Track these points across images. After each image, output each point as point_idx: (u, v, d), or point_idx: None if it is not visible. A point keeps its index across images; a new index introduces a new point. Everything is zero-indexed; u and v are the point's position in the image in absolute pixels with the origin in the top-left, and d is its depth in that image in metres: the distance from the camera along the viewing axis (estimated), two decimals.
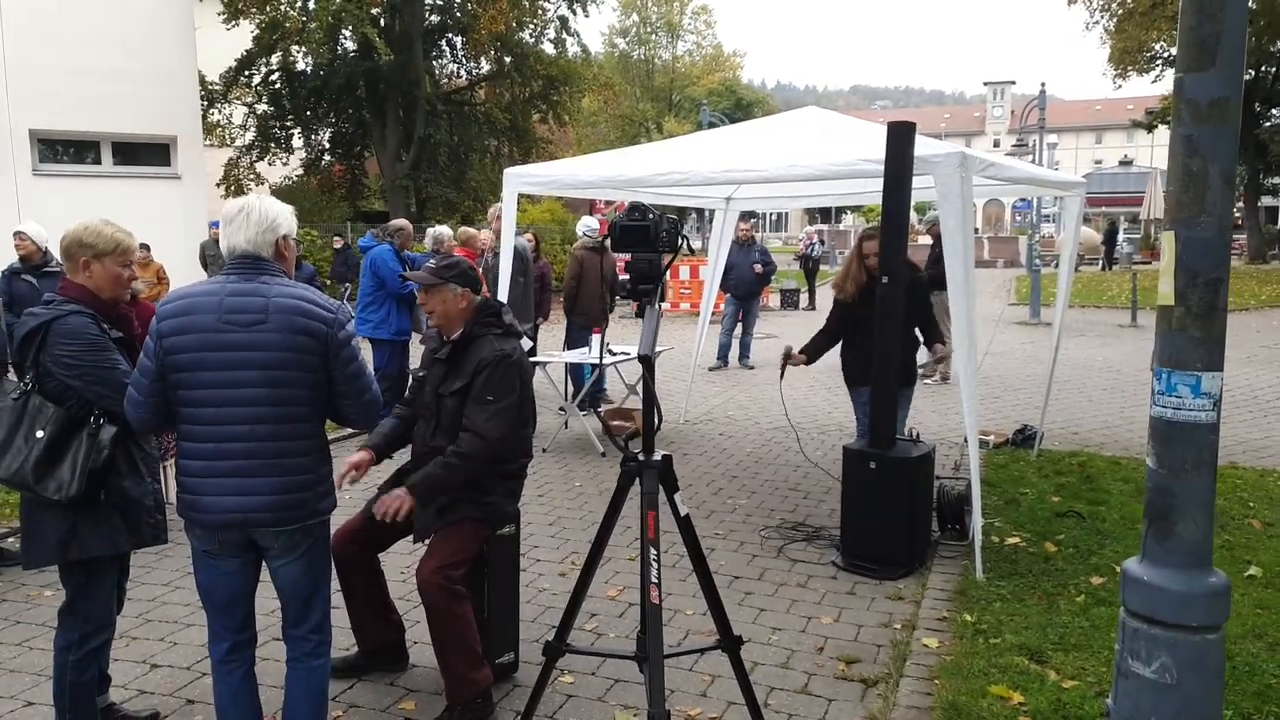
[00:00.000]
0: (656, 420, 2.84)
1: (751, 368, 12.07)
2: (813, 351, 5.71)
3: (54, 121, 17.07)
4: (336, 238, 10.96)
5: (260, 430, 2.63)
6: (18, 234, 6.72)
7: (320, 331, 2.66)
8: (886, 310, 4.85)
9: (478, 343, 3.43)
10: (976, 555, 4.71)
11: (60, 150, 17.99)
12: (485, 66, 27.07)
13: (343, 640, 3.82)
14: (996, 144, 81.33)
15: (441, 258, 3.58)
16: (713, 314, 9.45)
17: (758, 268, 12.10)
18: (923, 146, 4.86)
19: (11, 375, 3.04)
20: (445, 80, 27.30)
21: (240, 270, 2.69)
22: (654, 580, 2.70)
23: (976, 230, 9.96)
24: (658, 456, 2.83)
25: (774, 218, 65.81)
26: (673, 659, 3.39)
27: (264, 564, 2.82)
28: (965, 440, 5.79)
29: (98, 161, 18.23)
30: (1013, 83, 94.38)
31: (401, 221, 8.54)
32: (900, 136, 4.68)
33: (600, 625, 4.23)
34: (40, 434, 2.83)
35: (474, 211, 24.64)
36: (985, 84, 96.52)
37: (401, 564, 4.55)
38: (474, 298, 3.49)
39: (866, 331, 5.26)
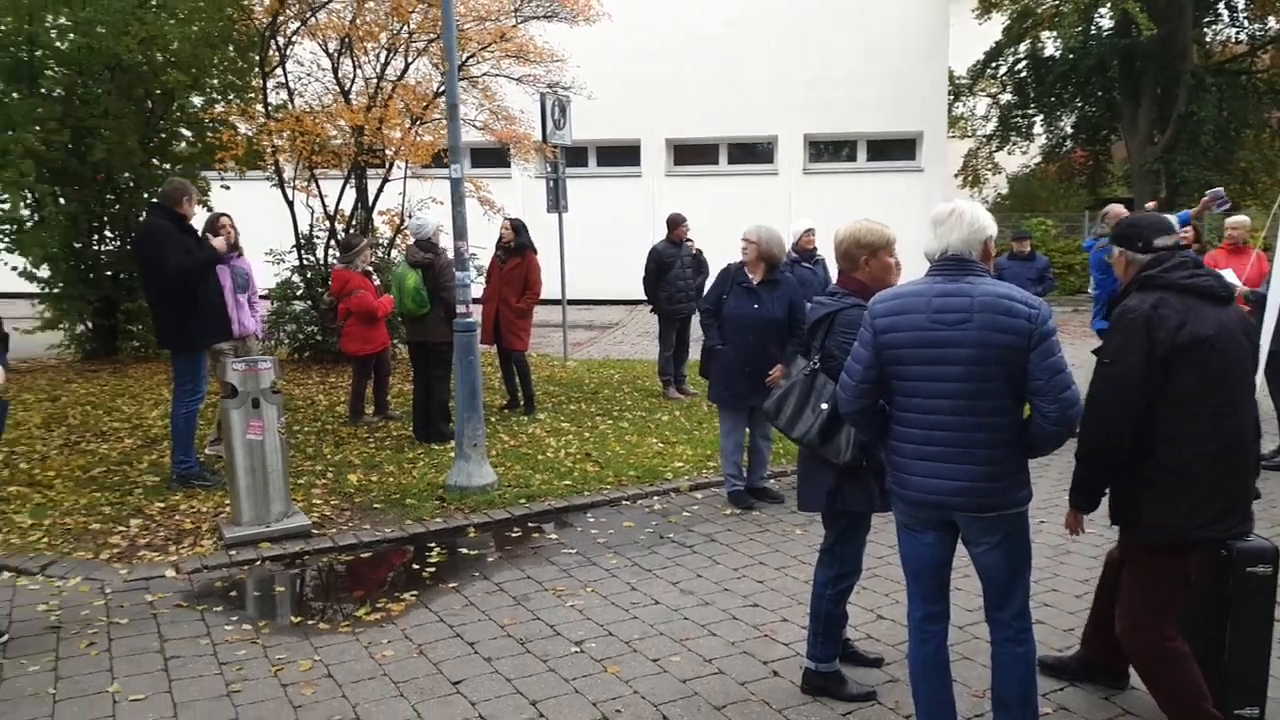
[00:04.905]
0: None
1: None
2: None
3: (823, 125, 19.58)
4: (1021, 240, 10.02)
5: (961, 421, 2.78)
6: (807, 231, 7.93)
7: (1022, 328, 2.71)
8: None
9: None
10: None
11: (824, 150, 20.59)
12: (1274, 26, 23.06)
13: (1060, 641, 3.79)
14: None
15: None
16: None
17: None
18: None
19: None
20: (1218, 49, 24.03)
21: (946, 271, 2.86)
22: None
23: None
24: None
25: None
26: None
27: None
28: None
29: (853, 159, 20.42)
30: None
31: (1116, 208, 7.95)
32: None
33: None
34: (824, 406, 3.34)
35: (1240, 196, 21.40)
36: None
37: None
38: None
39: None
